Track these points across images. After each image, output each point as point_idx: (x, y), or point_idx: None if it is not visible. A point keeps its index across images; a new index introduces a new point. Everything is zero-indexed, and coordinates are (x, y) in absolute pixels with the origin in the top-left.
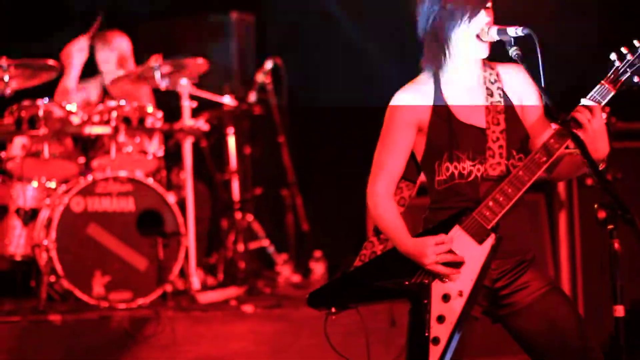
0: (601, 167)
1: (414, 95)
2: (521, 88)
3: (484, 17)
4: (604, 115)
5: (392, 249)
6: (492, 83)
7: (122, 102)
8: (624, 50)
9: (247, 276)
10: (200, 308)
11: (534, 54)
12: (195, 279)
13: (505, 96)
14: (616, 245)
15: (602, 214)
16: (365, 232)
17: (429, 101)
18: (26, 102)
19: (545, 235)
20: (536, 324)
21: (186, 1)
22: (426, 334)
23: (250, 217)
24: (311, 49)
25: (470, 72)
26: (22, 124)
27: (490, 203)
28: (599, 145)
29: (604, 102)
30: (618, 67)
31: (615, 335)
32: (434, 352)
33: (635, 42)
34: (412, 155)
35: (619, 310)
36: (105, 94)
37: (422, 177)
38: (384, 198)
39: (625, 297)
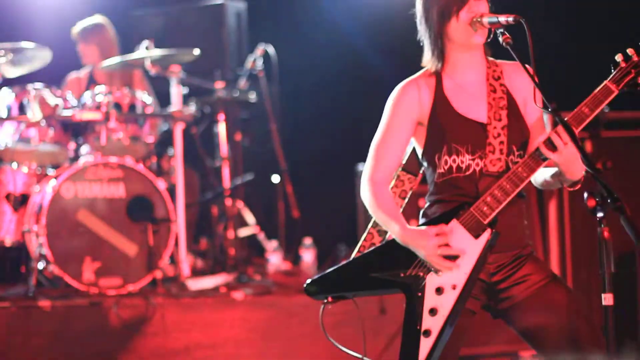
0: (576, 187)
1: (415, 88)
2: (525, 86)
3: (475, 8)
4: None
5: (389, 241)
6: (495, 79)
7: (113, 89)
8: (629, 52)
9: (237, 263)
10: (190, 295)
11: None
12: (185, 266)
13: (508, 93)
14: (606, 233)
15: (592, 203)
16: (355, 220)
17: (430, 95)
18: (17, 88)
19: (535, 224)
20: (537, 316)
21: None
22: (418, 327)
23: (240, 204)
24: (303, 36)
25: (472, 68)
26: (12, 109)
27: (488, 198)
28: (574, 167)
29: (606, 103)
30: (622, 67)
31: (604, 323)
32: (425, 344)
33: None
34: (414, 149)
35: (608, 299)
36: (93, 81)
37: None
38: (381, 187)
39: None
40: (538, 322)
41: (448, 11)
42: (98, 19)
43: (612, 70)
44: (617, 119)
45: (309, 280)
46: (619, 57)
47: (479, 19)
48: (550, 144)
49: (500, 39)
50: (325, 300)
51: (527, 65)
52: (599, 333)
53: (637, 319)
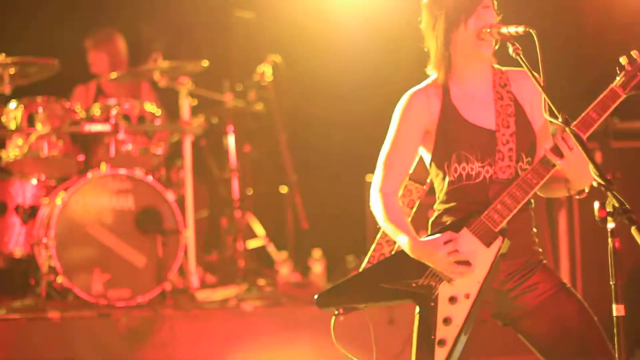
0: (582, 196)
1: (423, 97)
2: (531, 93)
3: (483, 17)
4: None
5: (399, 252)
6: (502, 87)
7: (121, 101)
8: (634, 54)
9: (247, 275)
10: (199, 306)
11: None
12: (195, 277)
13: (515, 100)
14: (617, 244)
15: (602, 213)
16: (365, 231)
17: (438, 103)
18: (25, 100)
19: (545, 234)
20: (547, 325)
21: None
22: (432, 337)
23: (249, 216)
24: (311, 47)
25: (479, 76)
26: (21, 121)
27: (499, 206)
28: (581, 173)
29: (613, 107)
30: (628, 71)
31: (615, 334)
32: (440, 354)
33: None
34: (421, 158)
35: (620, 310)
36: (101, 92)
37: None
38: (390, 198)
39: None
40: (548, 332)
41: (456, 19)
42: (111, 29)
43: (618, 74)
44: (626, 130)
45: (319, 293)
46: (624, 60)
47: (488, 30)
48: (556, 150)
49: (510, 49)
50: (337, 312)
51: (536, 75)
52: (608, 344)
53: None
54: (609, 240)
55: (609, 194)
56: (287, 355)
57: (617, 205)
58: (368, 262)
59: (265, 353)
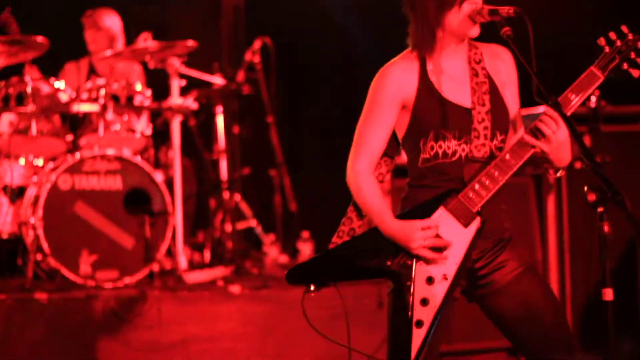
0: (560, 174)
1: (399, 71)
2: (505, 69)
3: None
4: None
5: (373, 228)
6: (477, 63)
7: (110, 80)
8: (612, 36)
9: (235, 256)
10: (187, 288)
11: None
12: (182, 259)
13: (489, 77)
14: (606, 228)
15: (592, 197)
16: None
17: (415, 77)
18: (14, 79)
19: (533, 218)
20: (511, 305)
21: None
22: (409, 317)
23: (238, 197)
24: (300, 28)
25: (455, 51)
26: (9, 100)
27: (477, 186)
28: (562, 155)
29: (592, 89)
30: (606, 53)
31: (605, 319)
32: (417, 334)
33: (624, 29)
34: (393, 132)
35: (608, 294)
36: (93, 72)
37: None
38: (366, 175)
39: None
40: (512, 311)
41: (450, 1)
42: (108, 8)
43: (596, 55)
44: (615, 114)
45: (289, 268)
46: (601, 42)
47: (480, 12)
48: (535, 132)
49: (501, 31)
50: (308, 288)
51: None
52: (569, 329)
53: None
54: (598, 223)
55: (598, 177)
56: (275, 338)
57: (606, 189)
58: (338, 236)
59: (253, 335)
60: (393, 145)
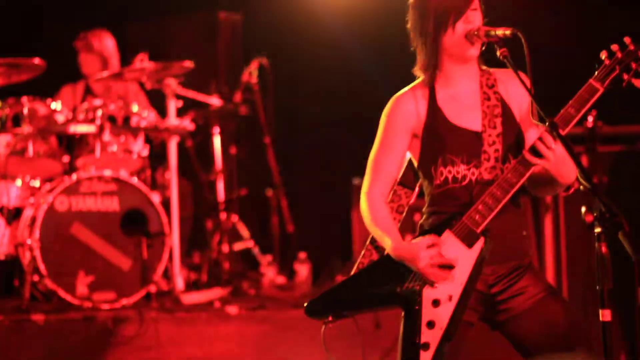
0: (570, 192)
1: (409, 101)
2: (519, 93)
3: (471, 19)
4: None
5: (384, 257)
6: (489, 87)
7: (107, 101)
8: (614, 48)
9: (232, 277)
10: (184, 309)
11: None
12: (179, 280)
13: (502, 100)
14: (603, 248)
15: (589, 218)
16: (350, 235)
17: (424, 106)
18: (11, 100)
19: (530, 237)
20: (534, 329)
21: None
22: (417, 341)
23: (235, 218)
24: (298, 49)
25: (466, 77)
26: (6, 121)
27: (480, 207)
28: (564, 170)
29: (592, 101)
30: (606, 65)
31: (603, 339)
32: (424, 357)
33: (626, 40)
34: (410, 162)
35: (606, 315)
36: (90, 92)
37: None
38: (377, 201)
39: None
40: (537, 335)
41: (445, 21)
42: (101, 29)
43: (597, 68)
44: (612, 134)
45: (309, 301)
46: (602, 55)
47: (475, 33)
48: (535, 150)
49: (498, 52)
50: (326, 320)
51: (521, 75)
52: (594, 348)
53: (635, 334)
54: (596, 244)
55: (595, 198)
56: (271, 358)
57: (603, 209)
58: (357, 268)
59: (250, 356)
60: (412, 176)
